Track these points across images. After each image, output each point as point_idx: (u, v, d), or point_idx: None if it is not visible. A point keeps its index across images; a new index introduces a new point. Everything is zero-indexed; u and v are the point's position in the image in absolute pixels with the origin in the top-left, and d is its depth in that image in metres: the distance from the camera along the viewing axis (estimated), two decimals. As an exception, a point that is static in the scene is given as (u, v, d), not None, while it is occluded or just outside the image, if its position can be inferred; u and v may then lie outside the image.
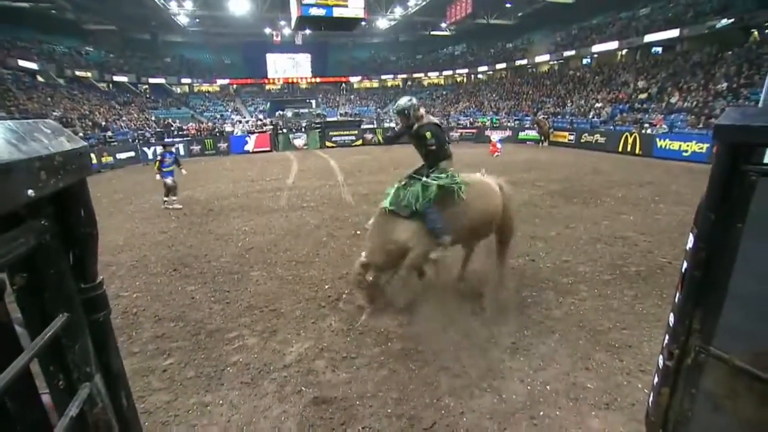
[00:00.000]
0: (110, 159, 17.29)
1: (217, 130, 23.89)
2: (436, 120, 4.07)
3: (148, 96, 34.60)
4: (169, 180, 8.71)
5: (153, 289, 4.80)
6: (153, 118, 28.83)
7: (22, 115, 19.25)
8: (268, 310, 4.18)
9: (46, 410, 0.77)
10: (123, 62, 33.69)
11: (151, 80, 34.96)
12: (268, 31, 35.91)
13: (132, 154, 18.61)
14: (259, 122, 26.50)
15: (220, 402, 2.88)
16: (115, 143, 19.48)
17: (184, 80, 37.75)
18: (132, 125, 25.02)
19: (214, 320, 4.01)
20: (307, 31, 31.37)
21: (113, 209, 8.93)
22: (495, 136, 20.75)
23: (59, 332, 0.65)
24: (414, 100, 3.99)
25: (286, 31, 35.25)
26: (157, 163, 8.87)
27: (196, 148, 20.48)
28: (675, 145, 14.84)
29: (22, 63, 24.25)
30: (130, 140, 20.43)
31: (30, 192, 0.52)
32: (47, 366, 0.68)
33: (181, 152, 19.76)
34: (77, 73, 28.56)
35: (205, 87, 40.15)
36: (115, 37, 33.54)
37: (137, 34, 35.40)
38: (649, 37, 22.89)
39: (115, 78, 31.85)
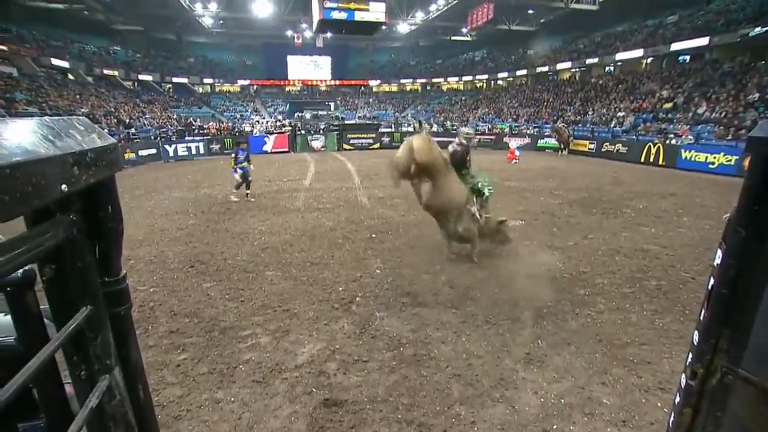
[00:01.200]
0: (132, 155, 17.74)
1: (236, 129, 24.29)
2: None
3: (171, 95, 35.48)
4: (237, 175, 9.41)
5: (169, 284, 4.90)
6: (175, 117, 29.52)
7: (53, 111, 19.97)
8: (282, 309, 4.21)
9: (68, 399, 0.79)
10: (148, 62, 34.71)
11: (175, 80, 35.89)
12: (289, 33, 36.48)
13: (154, 151, 19.06)
14: (278, 123, 26.85)
15: (232, 399, 2.91)
16: (138, 140, 20.01)
17: (206, 80, 38.66)
18: (155, 123, 25.68)
19: (228, 318, 4.07)
20: (328, 34, 31.72)
21: (133, 205, 9.15)
22: (513, 143, 20.57)
23: (82, 324, 0.66)
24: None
25: (308, 34, 35.74)
26: (232, 159, 9.49)
27: (215, 146, 20.88)
28: (701, 157, 14.42)
29: (55, 61, 25.20)
30: (153, 138, 20.93)
31: (63, 187, 0.53)
32: (71, 356, 0.70)
33: (201, 150, 20.19)
34: (105, 71, 29.54)
35: (226, 87, 40.99)
36: (141, 37, 34.60)
37: (163, 35, 36.41)
38: (676, 45, 22.36)
39: (141, 77, 32.85)
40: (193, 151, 20.12)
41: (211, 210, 8.63)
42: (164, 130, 22.90)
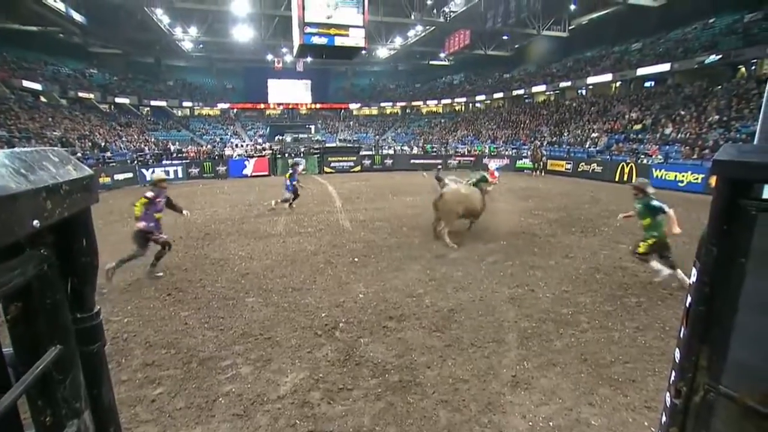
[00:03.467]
0: (108, 180, 17.29)
1: (216, 153, 24.10)
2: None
3: (149, 118, 35.13)
4: (288, 193, 10.86)
5: (145, 313, 4.72)
6: (153, 140, 29.15)
7: (22, 134, 19.46)
8: (263, 338, 4.10)
9: None
10: (126, 84, 34.43)
11: (153, 103, 35.65)
12: (269, 57, 36.94)
13: (130, 175, 18.62)
14: (259, 146, 26.81)
15: (210, 435, 2.77)
16: (114, 164, 19.57)
17: (185, 103, 38.54)
18: (131, 146, 25.27)
19: (207, 347, 3.93)
20: (309, 59, 32.21)
21: (107, 230, 8.87)
22: (493, 164, 21.00)
23: (50, 365, 0.63)
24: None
25: (288, 58, 36.24)
26: (288, 176, 11.03)
27: (194, 170, 20.55)
28: (671, 176, 15.03)
29: (26, 83, 24.73)
30: (129, 161, 20.52)
31: (35, 222, 0.51)
32: (35, 401, 0.66)
33: (179, 174, 19.87)
34: (80, 94, 29.08)
35: (205, 110, 40.91)
36: (119, 60, 34.41)
37: (141, 58, 36.33)
38: (641, 70, 23.79)
39: (117, 100, 32.47)
40: (171, 175, 19.71)
41: (190, 236, 8.44)
42: (141, 153, 22.54)
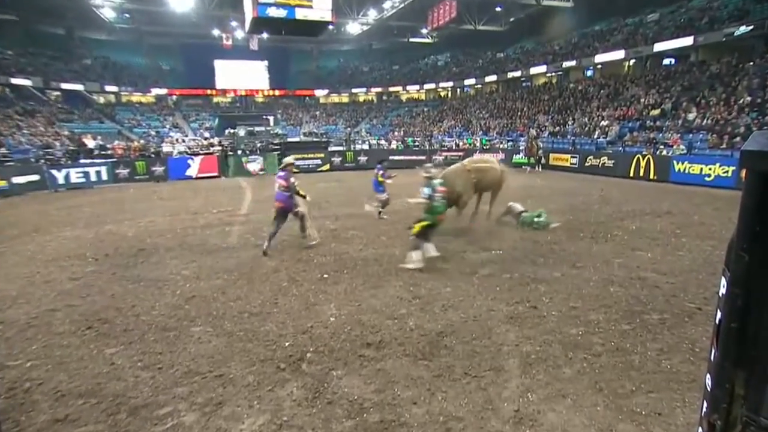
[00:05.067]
0: (3, 184, 16.64)
1: (151, 150, 23.57)
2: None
3: (59, 105, 33.93)
4: (384, 195, 10.68)
5: (56, 354, 4.53)
6: (66, 133, 28.22)
7: None
8: (213, 375, 4.02)
9: None
10: (26, 61, 32.93)
11: (65, 86, 34.38)
12: (216, 32, 36.59)
13: (36, 177, 17.93)
14: (206, 141, 26.41)
15: (145, 502, 2.69)
16: (12, 163, 18.82)
17: (108, 88, 37.56)
18: (37, 141, 24.40)
19: (140, 392, 3.81)
20: (264, 35, 32.07)
21: (4, 249, 8.55)
22: (486, 160, 21.34)
23: None
24: None
25: (239, 34, 35.99)
26: (379, 175, 10.80)
27: (123, 172, 20.01)
28: (695, 169, 15.56)
29: None
30: (34, 160, 19.79)
31: None
32: None
33: (104, 176, 19.35)
34: (-42, 72, 27.75)
35: (136, 97, 40.09)
36: (14, 28, 32.72)
37: (47, 28, 34.93)
38: (659, 46, 24.35)
39: (14, 81, 30.96)
40: (93, 177, 19.21)
41: (118, 252, 8.22)
42: (51, 150, 21.78)
